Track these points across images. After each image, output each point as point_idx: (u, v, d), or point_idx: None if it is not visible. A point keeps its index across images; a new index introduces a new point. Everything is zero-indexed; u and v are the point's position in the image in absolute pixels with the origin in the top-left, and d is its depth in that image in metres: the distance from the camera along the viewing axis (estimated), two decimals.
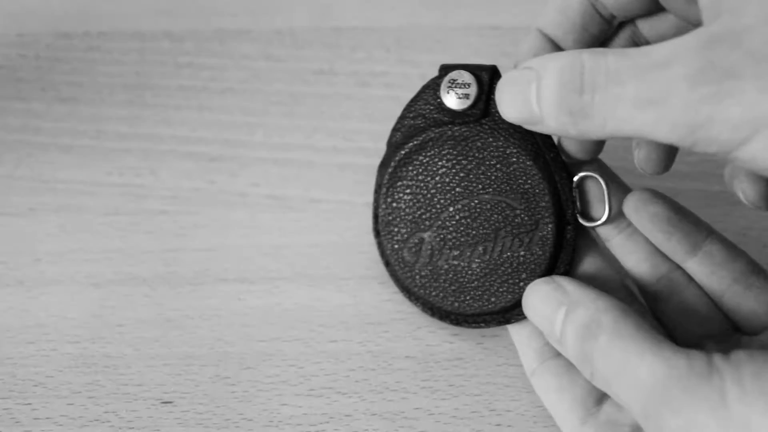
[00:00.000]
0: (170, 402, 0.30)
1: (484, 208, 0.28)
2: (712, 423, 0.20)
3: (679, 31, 0.27)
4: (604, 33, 0.28)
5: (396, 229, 0.29)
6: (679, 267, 0.27)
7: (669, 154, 0.28)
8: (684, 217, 0.27)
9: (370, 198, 0.35)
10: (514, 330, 0.29)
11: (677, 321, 0.27)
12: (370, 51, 0.39)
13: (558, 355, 0.27)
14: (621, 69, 0.21)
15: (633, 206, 0.27)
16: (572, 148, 0.28)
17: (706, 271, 0.27)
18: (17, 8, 0.41)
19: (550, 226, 0.27)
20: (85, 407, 0.30)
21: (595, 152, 0.28)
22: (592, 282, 0.27)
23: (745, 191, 0.26)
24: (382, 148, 0.36)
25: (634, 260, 0.28)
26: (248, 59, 0.39)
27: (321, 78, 0.38)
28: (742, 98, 0.19)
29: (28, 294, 0.33)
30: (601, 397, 0.26)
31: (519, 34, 0.39)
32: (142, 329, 0.32)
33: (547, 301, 0.25)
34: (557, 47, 0.28)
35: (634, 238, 0.28)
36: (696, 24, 0.26)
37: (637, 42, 0.28)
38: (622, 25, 0.28)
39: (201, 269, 0.33)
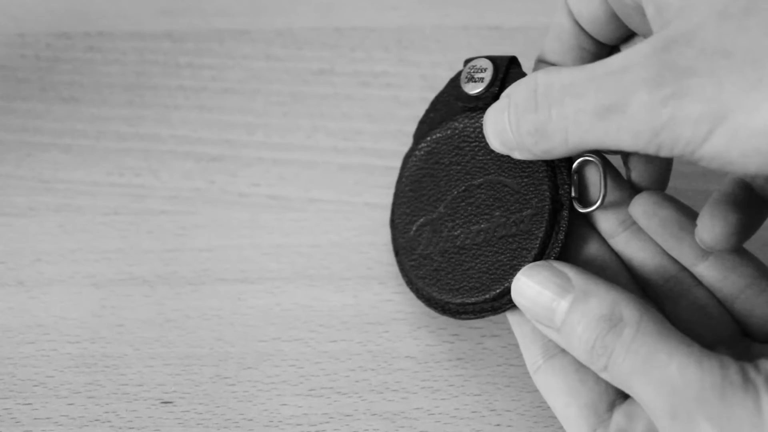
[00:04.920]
0: (170, 402, 0.30)
1: (486, 189, 0.28)
2: (747, 431, 0.20)
3: None
4: (600, 52, 0.28)
5: (408, 218, 0.30)
6: (686, 268, 0.27)
7: (662, 170, 0.28)
8: (695, 221, 0.27)
9: (370, 198, 0.35)
10: (517, 322, 0.27)
11: (686, 323, 0.26)
12: (370, 51, 0.39)
13: (565, 351, 0.26)
14: (576, 81, 0.21)
15: (642, 210, 0.27)
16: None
17: (718, 276, 0.26)
18: (17, 8, 0.41)
19: (541, 206, 0.27)
20: (85, 407, 0.30)
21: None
22: (600, 274, 0.26)
23: (699, 235, 0.25)
24: (382, 148, 0.36)
25: (640, 259, 0.27)
26: (248, 59, 0.39)
27: (321, 78, 0.38)
28: (700, 94, 0.19)
29: (28, 294, 0.33)
30: (612, 403, 0.25)
31: (519, 34, 0.39)
32: (142, 329, 0.32)
33: (547, 286, 0.24)
34: None
35: (640, 236, 0.27)
36: None
37: None
38: (614, 48, 0.28)
39: (201, 269, 0.33)
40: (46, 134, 0.37)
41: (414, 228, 0.29)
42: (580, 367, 0.25)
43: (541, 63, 0.29)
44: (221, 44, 0.39)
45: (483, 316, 0.28)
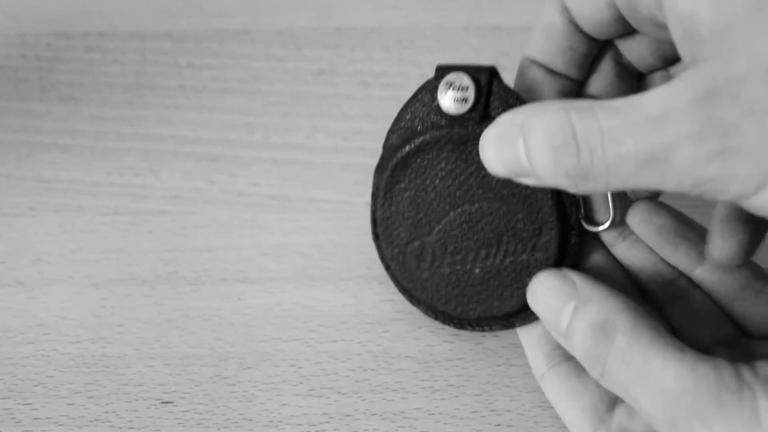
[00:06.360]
0: (170, 402, 0.30)
1: (486, 213, 0.28)
2: None
3: (655, 54, 0.27)
4: (592, 50, 0.28)
5: (396, 233, 0.29)
6: (684, 273, 0.27)
7: None
8: (690, 228, 0.27)
9: (370, 198, 0.35)
10: (523, 332, 0.28)
11: (685, 326, 0.27)
12: (370, 51, 0.39)
13: (568, 358, 0.27)
14: (614, 128, 0.20)
15: (639, 218, 0.27)
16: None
17: (715, 280, 0.27)
18: (17, 8, 0.41)
19: (553, 231, 0.27)
20: (85, 407, 0.30)
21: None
22: (603, 281, 0.27)
23: (710, 252, 0.26)
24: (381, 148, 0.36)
25: (639, 267, 0.28)
26: (248, 59, 0.39)
27: (321, 78, 0.38)
28: (749, 155, 0.18)
29: (28, 294, 0.33)
30: (613, 403, 0.26)
31: (519, 34, 0.39)
32: (142, 329, 0.32)
33: (555, 293, 0.25)
34: (549, 71, 0.28)
35: (639, 245, 0.28)
36: (668, 44, 0.26)
37: (622, 62, 0.28)
38: (607, 42, 0.28)
39: (201, 269, 0.33)
40: (46, 134, 0.37)
41: (408, 247, 0.29)
42: (581, 372, 0.26)
43: (530, 64, 0.28)
44: (221, 44, 0.39)
45: (497, 330, 0.29)
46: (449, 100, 0.27)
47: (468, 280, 0.28)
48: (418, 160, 0.28)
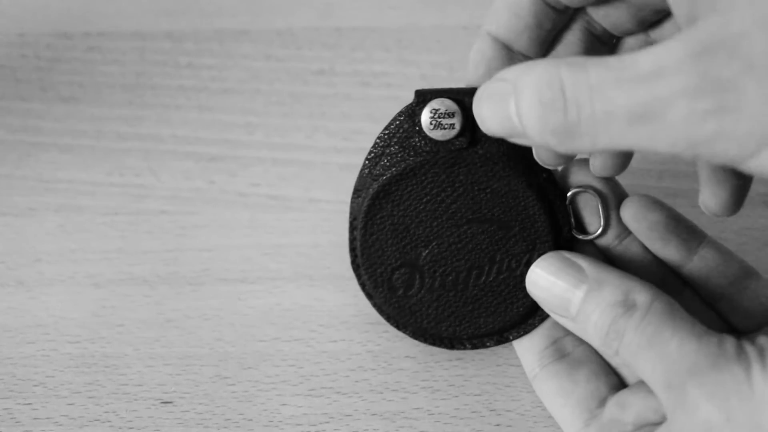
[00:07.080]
0: (170, 402, 0.30)
1: (476, 233, 0.27)
2: (734, 398, 0.21)
3: (633, 19, 0.26)
4: (557, 25, 0.27)
5: (379, 261, 0.28)
6: (673, 272, 0.28)
7: (625, 158, 0.27)
8: (680, 224, 0.27)
9: None
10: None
11: None
12: (370, 51, 0.39)
13: (558, 359, 0.28)
14: (605, 83, 0.19)
15: (632, 214, 0.27)
16: (546, 157, 0.27)
17: (702, 276, 0.27)
18: (17, 8, 0.41)
19: (547, 244, 0.27)
20: (85, 407, 0.30)
21: (569, 161, 0.27)
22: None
23: (705, 203, 0.26)
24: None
25: (632, 268, 0.28)
26: (248, 59, 0.39)
27: (321, 78, 0.38)
28: (748, 112, 0.18)
29: (28, 294, 0.33)
30: (604, 398, 0.26)
31: None
32: (142, 329, 0.32)
33: (560, 277, 0.25)
34: (509, 50, 0.27)
35: (632, 248, 0.28)
36: (655, 10, 0.25)
37: (593, 31, 0.27)
38: (576, 12, 0.27)
39: (201, 269, 0.33)
40: (46, 134, 0.37)
41: (395, 273, 0.28)
42: (572, 370, 0.27)
43: (490, 41, 0.27)
44: (221, 44, 0.39)
45: (491, 346, 0.29)
46: (435, 128, 0.27)
47: (460, 300, 0.28)
48: (402, 186, 0.27)
